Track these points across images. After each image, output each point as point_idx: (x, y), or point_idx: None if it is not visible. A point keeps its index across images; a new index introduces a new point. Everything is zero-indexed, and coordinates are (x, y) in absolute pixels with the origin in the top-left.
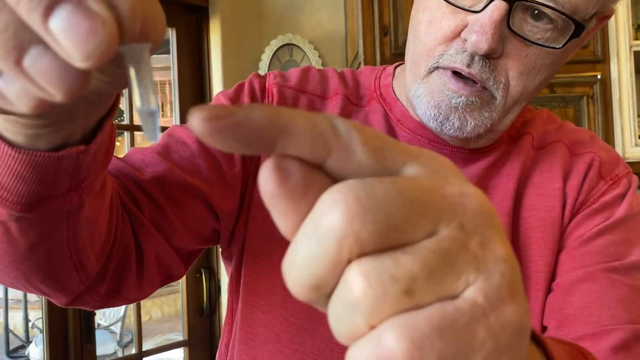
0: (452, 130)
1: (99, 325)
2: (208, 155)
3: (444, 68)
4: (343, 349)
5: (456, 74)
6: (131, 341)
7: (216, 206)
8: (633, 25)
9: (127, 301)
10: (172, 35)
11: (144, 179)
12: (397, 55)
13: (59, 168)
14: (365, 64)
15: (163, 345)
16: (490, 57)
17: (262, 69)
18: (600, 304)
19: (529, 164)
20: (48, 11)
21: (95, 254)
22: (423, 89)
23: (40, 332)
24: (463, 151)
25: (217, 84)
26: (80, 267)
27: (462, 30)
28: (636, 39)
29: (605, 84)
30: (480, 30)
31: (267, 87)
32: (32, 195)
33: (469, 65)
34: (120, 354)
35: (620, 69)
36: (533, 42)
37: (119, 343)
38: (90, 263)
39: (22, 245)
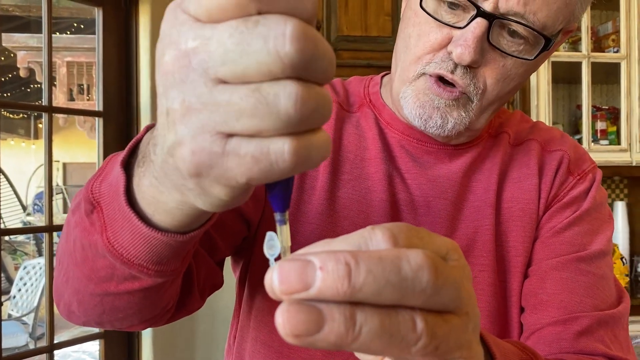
0: (435, 128)
1: (9, 316)
2: None
3: (430, 75)
4: None
5: (440, 79)
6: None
7: (249, 217)
8: None
9: (189, 313)
10: (98, 14)
11: None
12: None
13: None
14: None
15: (76, 338)
16: (472, 67)
17: None
18: (570, 291)
19: (507, 159)
20: None
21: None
22: (410, 91)
23: None
24: (448, 148)
25: (144, 67)
26: (165, 304)
27: (447, 43)
28: (555, 50)
29: (525, 91)
30: (464, 44)
31: None
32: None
33: (452, 72)
34: (32, 347)
35: (538, 77)
36: (509, 54)
37: (31, 335)
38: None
39: (159, 303)
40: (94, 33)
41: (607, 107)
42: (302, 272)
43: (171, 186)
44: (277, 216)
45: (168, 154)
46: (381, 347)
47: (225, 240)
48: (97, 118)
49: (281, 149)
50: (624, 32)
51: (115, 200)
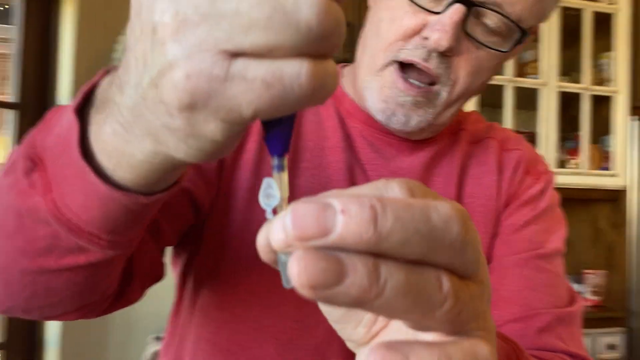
0: (399, 125)
1: None
2: None
3: (400, 61)
4: (304, 328)
5: (406, 68)
6: None
7: (199, 201)
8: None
9: (128, 304)
10: (20, 2)
11: None
12: None
13: (151, 208)
14: None
15: None
16: (446, 55)
17: (121, 50)
18: (531, 288)
19: (466, 157)
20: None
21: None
22: (375, 82)
23: None
24: (409, 141)
25: (66, 62)
26: (106, 288)
27: (421, 29)
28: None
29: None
30: (441, 29)
31: None
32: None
33: (426, 60)
34: None
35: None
36: (484, 45)
37: None
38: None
39: (99, 285)
40: (7, 23)
41: (526, 131)
42: (321, 215)
43: (143, 132)
44: (275, 161)
45: (151, 86)
46: (405, 307)
47: (171, 224)
48: (12, 110)
49: (298, 71)
50: (545, 60)
51: (65, 154)
